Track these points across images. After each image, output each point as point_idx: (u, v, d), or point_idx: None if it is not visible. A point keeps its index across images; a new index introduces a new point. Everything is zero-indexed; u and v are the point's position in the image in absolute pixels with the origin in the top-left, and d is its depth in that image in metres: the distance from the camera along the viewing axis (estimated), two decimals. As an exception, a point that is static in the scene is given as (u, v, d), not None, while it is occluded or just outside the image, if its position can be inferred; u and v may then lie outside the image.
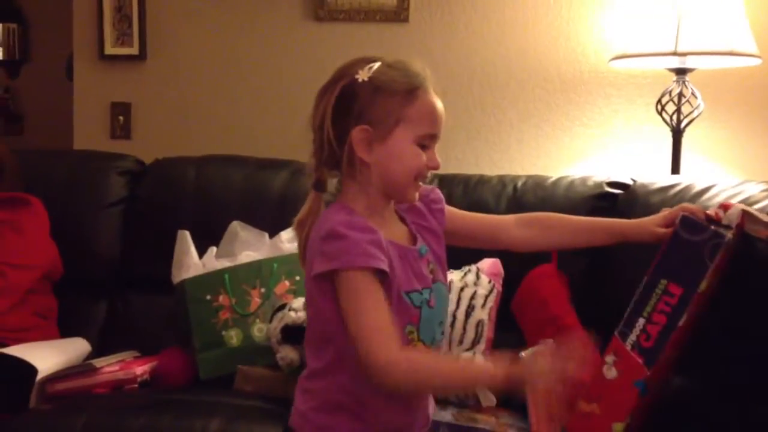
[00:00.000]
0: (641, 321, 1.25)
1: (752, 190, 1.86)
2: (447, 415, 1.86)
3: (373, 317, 1.22)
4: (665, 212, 1.38)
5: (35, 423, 1.93)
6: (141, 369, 2.12)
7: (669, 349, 1.25)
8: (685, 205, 1.34)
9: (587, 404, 1.28)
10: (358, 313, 1.23)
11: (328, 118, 1.28)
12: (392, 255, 1.28)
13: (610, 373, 1.26)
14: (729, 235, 1.25)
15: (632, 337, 1.25)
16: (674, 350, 1.30)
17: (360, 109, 1.28)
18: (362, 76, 1.28)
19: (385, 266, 1.24)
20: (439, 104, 1.33)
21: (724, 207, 1.38)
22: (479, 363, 1.28)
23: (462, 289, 2.05)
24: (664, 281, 1.25)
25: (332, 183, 1.38)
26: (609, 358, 1.27)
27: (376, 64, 1.30)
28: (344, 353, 1.28)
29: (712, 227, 1.24)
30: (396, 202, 1.37)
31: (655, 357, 1.24)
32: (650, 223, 1.40)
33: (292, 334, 2.02)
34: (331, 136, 1.28)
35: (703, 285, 1.24)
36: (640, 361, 1.24)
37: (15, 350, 2.06)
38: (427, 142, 1.31)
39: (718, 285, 1.43)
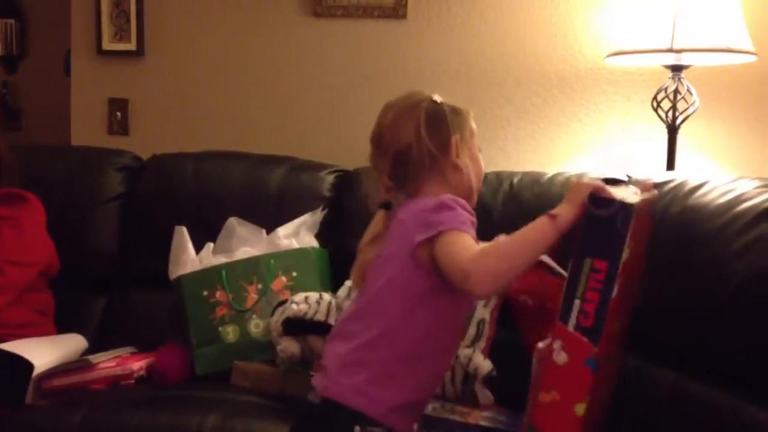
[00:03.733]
0: (577, 302, 1.31)
1: (747, 186, 1.85)
2: (428, 408, 1.87)
3: (453, 254, 1.35)
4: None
5: (32, 419, 1.94)
6: (138, 365, 2.13)
7: (610, 322, 1.31)
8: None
9: (546, 394, 1.32)
10: (446, 261, 1.35)
11: (424, 132, 1.45)
12: None
13: (560, 358, 1.31)
14: (637, 202, 1.32)
15: (573, 320, 1.30)
16: (615, 321, 1.35)
17: (450, 122, 1.48)
18: (438, 97, 1.50)
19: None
20: None
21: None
22: (536, 223, 1.37)
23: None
24: (588, 260, 1.30)
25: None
26: (556, 344, 1.32)
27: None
28: (393, 326, 1.40)
29: (618, 199, 1.31)
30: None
31: (598, 333, 1.29)
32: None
33: (294, 326, 2.03)
34: (431, 147, 1.44)
35: (625, 254, 1.29)
36: (585, 340, 1.29)
37: (11, 346, 2.06)
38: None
39: (645, 245, 1.51)
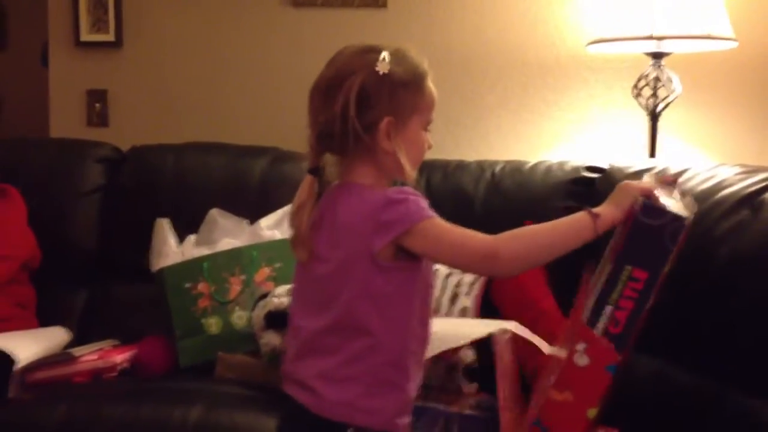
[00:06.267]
0: (609, 308, 1.26)
1: (727, 173, 1.87)
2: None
3: (462, 241, 1.30)
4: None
5: (14, 413, 1.92)
6: (121, 357, 2.12)
7: (636, 332, 1.29)
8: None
9: (560, 393, 1.29)
10: (453, 249, 1.30)
11: (352, 110, 1.30)
12: None
13: (582, 360, 1.28)
14: (690, 217, 1.28)
15: (600, 325, 1.27)
16: (640, 330, 1.33)
17: (385, 100, 1.32)
18: (382, 68, 1.32)
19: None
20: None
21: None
22: (575, 217, 1.30)
23: (447, 276, 2.06)
24: (628, 267, 1.26)
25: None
26: (580, 346, 1.28)
27: (387, 55, 1.33)
28: (377, 334, 1.31)
29: (670, 211, 1.26)
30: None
31: (626, 341, 1.27)
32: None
33: (276, 319, 2.02)
34: (357, 127, 1.30)
35: (667, 267, 1.26)
36: (611, 346, 1.26)
37: (-7, 339, 2.05)
38: (429, 126, 1.40)
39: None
